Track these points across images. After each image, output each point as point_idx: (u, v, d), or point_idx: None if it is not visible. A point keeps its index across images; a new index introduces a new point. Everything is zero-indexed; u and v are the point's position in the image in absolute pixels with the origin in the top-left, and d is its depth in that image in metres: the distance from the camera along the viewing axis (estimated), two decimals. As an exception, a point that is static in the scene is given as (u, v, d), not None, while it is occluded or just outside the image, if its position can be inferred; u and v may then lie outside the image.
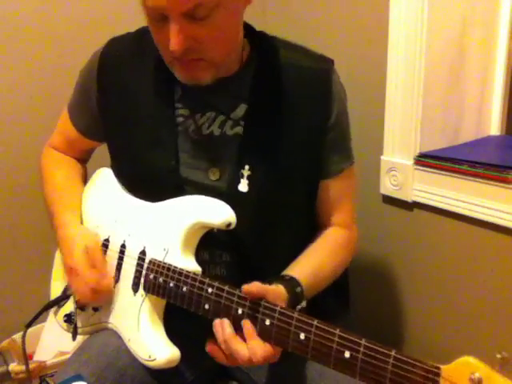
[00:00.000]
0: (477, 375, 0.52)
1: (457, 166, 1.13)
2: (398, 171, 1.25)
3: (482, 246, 1.13)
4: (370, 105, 1.27)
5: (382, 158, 1.29)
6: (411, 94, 1.18)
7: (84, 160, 1.08)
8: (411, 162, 1.22)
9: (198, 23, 0.72)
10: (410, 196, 1.24)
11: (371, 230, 1.34)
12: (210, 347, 0.72)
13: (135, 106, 0.88)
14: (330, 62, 0.90)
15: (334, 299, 0.95)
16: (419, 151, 1.21)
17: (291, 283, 0.78)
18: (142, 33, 0.89)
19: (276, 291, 0.73)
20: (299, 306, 0.78)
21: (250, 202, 0.83)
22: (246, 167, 0.83)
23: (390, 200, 1.31)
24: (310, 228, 0.95)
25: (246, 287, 0.70)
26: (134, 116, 0.88)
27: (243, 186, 0.83)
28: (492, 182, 1.07)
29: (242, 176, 0.83)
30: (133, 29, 0.94)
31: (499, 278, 1.11)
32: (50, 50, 1.40)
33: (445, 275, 1.22)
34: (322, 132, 0.87)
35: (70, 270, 0.85)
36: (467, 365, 0.53)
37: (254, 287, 0.70)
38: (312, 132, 0.87)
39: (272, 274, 0.79)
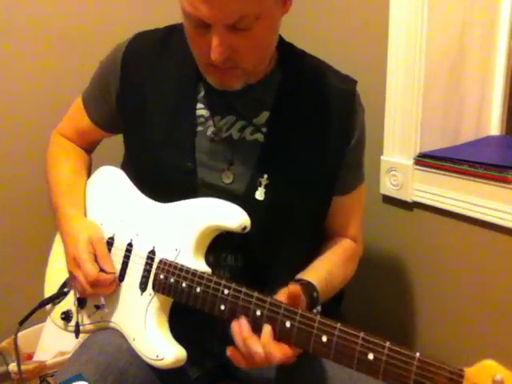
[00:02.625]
0: (499, 377, 0.54)
1: (457, 166, 1.13)
2: (398, 171, 1.25)
3: (482, 246, 1.13)
4: (370, 105, 1.27)
5: (382, 158, 1.29)
6: (411, 94, 1.18)
7: (90, 151, 1.08)
8: (411, 161, 1.22)
9: (238, 34, 0.72)
10: (410, 196, 1.24)
11: (371, 230, 1.33)
12: (230, 351, 0.71)
13: (155, 103, 0.88)
14: (354, 82, 0.91)
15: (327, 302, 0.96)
16: (419, 151, 1.21)
17: (309, 288, 0.78)
18: (171, 31, 0.90)
19: (301, 297, 0.73)
20: (315, 310, 0.78)
21: (264, 210, 0.84)
22: (265, 176, 0.84)
23: (390, 200, 1.31)
24: (317, 238, 0.96)
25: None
26: (154, 113, 0.88)
27: (260, 195, 0.84)
28: (492, 182, 1.07)
29: (260, 184, 0.84)
30: (141, 27, 0.94)
31: (499, 278, 1.11)
32: (55, 46, 1.41)
33: (445, 275, 1.22)
34: (343, 152, 0.89)
35: (72, 261, 0.85)
36: (489, 367, 0.55)
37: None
38: (333, 150, 0.88)
39: (275, 279, 0.79)
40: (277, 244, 0.87)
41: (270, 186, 0.84)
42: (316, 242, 0.95)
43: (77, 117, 1.02)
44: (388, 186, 1.29)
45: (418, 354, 0.59)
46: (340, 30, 1.37)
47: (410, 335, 1.34)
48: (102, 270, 0.83)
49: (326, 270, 0.87)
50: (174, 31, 0.90)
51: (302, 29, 1.47)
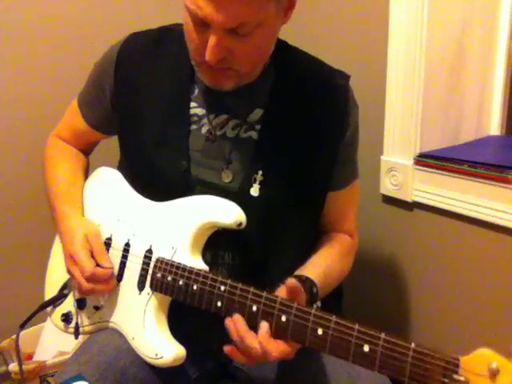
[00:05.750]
0: (494, 365, 0.54)
1: (457, 166, 1.13)
2: (398, 171, 1.25)
3: (482, 246, 1.13)
4: (370, 105, 1.27)
5: (382, 158, 1.29)
6: (411, 94, 1.18)
7: (88, 152, 1.08)
8: (411, 161, 1.22)
9: (236, 38, 0.73)
10: (409, 196, 1.24)
11: (371, 230, 1.34)
12: (227, 348, 0.72)
13: (149, 103, 0.88)
14: (347, 78, 0.92)
15: (327, 299, 0.96)
16: (419, 151, 1.21)
17: (308, 283, 0.79)
18: (165, 31, 0.91)
19: (301, 292, 0.74)
20: (315, 306, 0.79)
21: (259, 206, 0.84)
22: (260, 172, 0.84)
23: (389, 200, 1.31)
24: (313, 234, 0.96)
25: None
26: (148, 114, 0.88)
27: (255, 191, 0.84)
28: (492, 182, 1.07)
29: (255, 181, 0.84)
30: (136, 28, 0.94)
31: (499, 277, 1.12)
32: (53, 46, 1.41)
33: (445, 275, 1.22)
34: (337, 148, 0.89)
35: (69, 258, 0.85)
36: (485, 356, 0.56)
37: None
38: (326, 145, 0.88)
39: (273, 277, 0.79)
40: (274, 240, 0.88)
41: (264, 183, 0.84)
42: (312, 239, 0.95)
43: (73, 119, 1.02)
44: (388, 186, 1.29)
45: (413, 345, 0.60)
46: (340, 30, 1.37)
47: (409, 335, 1.34)
48: (98, 266, 0.83)
49: (323, 265, 0.87)
50: (167, 32, 0.90)
51: (302, 28, 1.47)
